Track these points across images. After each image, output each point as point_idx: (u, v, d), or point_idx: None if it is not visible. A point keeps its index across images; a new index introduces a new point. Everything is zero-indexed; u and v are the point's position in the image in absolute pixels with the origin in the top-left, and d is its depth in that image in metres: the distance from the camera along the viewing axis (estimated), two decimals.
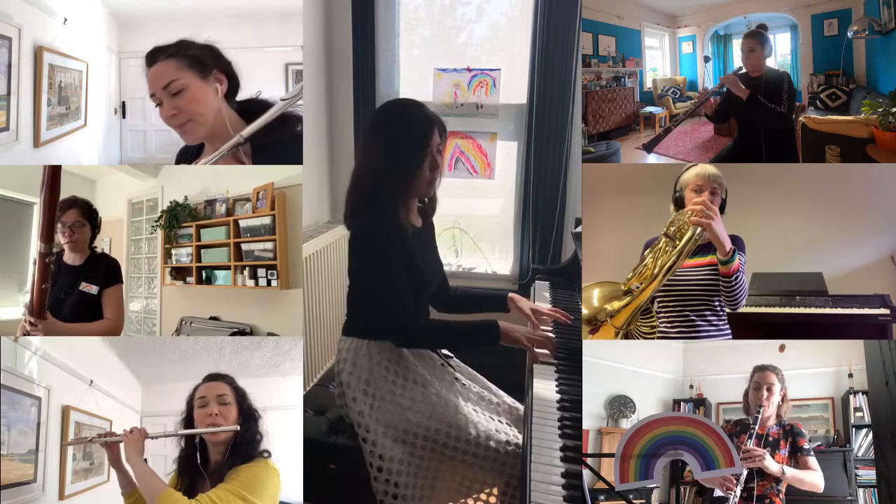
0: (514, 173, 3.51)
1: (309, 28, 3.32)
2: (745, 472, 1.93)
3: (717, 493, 2.00)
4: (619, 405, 2.90)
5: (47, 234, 1.87)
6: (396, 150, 1.83)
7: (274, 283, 3.09)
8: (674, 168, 2.19)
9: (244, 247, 3.27)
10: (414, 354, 1.95)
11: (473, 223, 3.66)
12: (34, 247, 3.06)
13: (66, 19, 3.30)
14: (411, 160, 1.83)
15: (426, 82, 3.45)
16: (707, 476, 1.77)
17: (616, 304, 1.90)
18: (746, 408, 2.17)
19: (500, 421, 1.93)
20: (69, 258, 2.33)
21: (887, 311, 2.59)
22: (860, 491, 2.57)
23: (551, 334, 1.99)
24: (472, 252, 3.67)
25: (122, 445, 1.67)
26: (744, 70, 2.69)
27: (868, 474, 2.57)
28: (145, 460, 1.65)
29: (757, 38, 2.66)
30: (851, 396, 2.69)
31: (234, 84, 1.81)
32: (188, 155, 1.92)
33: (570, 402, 1.73)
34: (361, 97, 3.44)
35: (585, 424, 2.46)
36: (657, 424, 1.76)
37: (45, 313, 1.98)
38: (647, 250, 1.99)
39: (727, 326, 2.02)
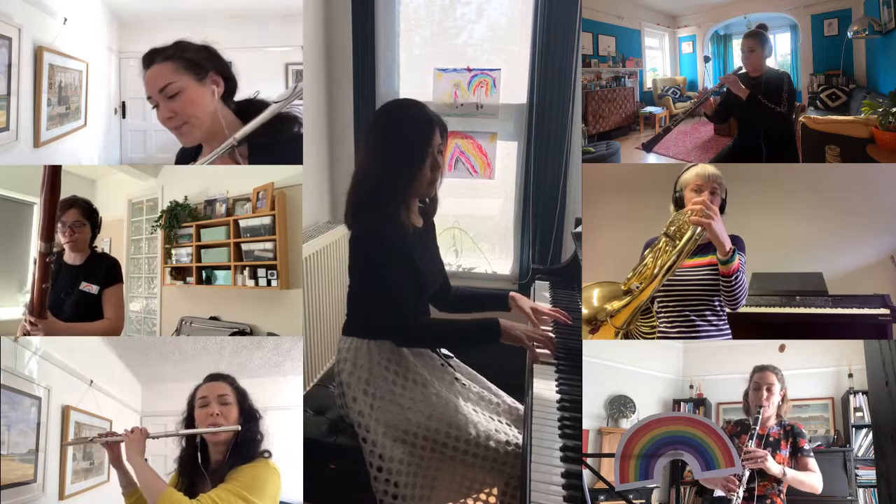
0: (514, 173, 3.51)
1: (309, 28, 3.32)
2: (747, 473, 1.93)
3: (717, 493, 2.00)
4: (619, 405, 2.90)
5: (48, 234, 1.87)
6: (397, 150, 1.83)
7: (274, 283, 3.09)
8: (674, 168, 2.19)
9: (244, 247, 3.27)
10: (414, 354, 1.95)
11: (473, 223, 3.66)
12: (34, 247, 3.06)
13: (66, 19, 3.29)
14: (412, 160, 1.83)
15: (426, 82, 3.45)
16: (707, 476, 1.77)
17: (616, 304, 1.90)
18: (746, 408, 2.17)
19: (500, 421, 1.93)
20: (69, 258, 2.33)
21: (887, 311, 2.59)
22: (860, 491, 2.57)
23: (551, 334, 1.99)
24: (472, 252, 3.67)
25: (122, 445, 1.67)
26: (744, 70, 2.69)
27: (868, 474, 2.57)
28: (146, 460, 1.65)
29: (757, 38, 2.66)
30: (851, 396, 2.69)
31: (231, 85, 1.81)
32: (186, 156, 1.92)
33: (570, 402, 1.73)
34: (361, 97, 3.44)
35: (585, 424, 2.46)
36: (657, 424, 1.76)
37: (45, 313, 1.98)
38: (647, 250, 1.99)
39: (727, 326, 2.02)
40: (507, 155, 3.50)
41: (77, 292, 2.27)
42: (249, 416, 1.76)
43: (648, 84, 3.38)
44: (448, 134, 1.91)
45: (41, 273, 1.92)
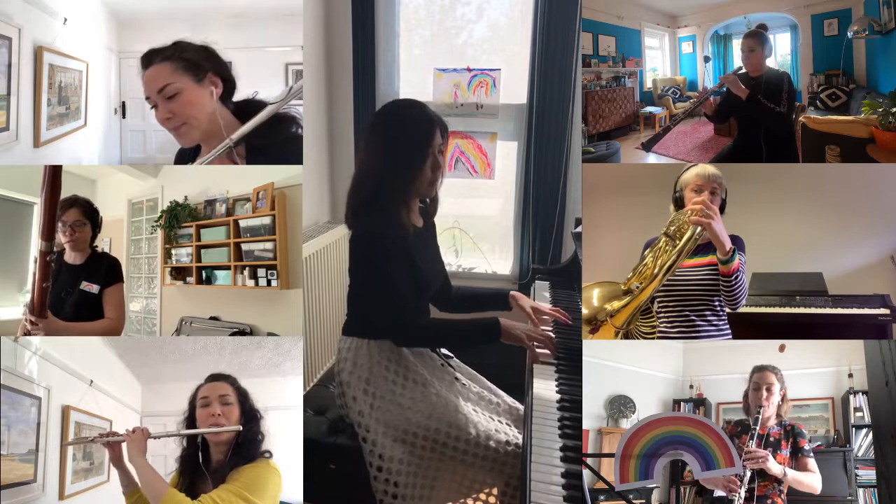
0: (514, 173, 3.51)
1: (309, 28, 3.32)
2: (748, 473, 1.93)
3: (717, 493, 2.00)
4: (619, 405, 2.90)
5: (48, 233, 1.87)
6: (398, 150, 1.83)
7: (274, 283, 3.09)
8: (674, 168, 2.19)
9: (244, 247, 3.27)
10: (414, 354, 1.95)
11: (473, 223, 3.66)
12: (34, 246, 3.06)
13: (66, 19, 3.30)
14: (413, 160, 1.83)
15: (426, 82, 3.46)
16: (707, 476, 1.77)
17: (616, 304, 1.90)
18: (746, 408, 2.17)
19: (500, 421, 1.93)
20: (70, 257, 2.34)
21: (887, 311, 2.59)
22: (860, 491, 2.57)
23: (551, 334, 1.99)
24: (472, 252, 3.67)
25: (124, 445, 1.67)
26: (744, 70, 2.69)
27: (868, 474, 2.57)
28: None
29: (757, 38, 2.66)
30: (851, 396, 2.69)
31: (229, 86, 1.81)
32: (185, 156, 1.92)
33: (570, 402, 1.73)
34: (361, 97, 3.44)
35: (585, 424, 2.46)
36: (657, 424, 1.76)
37: (45, 312, 1.98)
38: (647, 250, 1.99)
39: (727, 326, 2.02)
40: (507, 155, 3.50)
41: (77, 292, 2.27)
42: (251, 416, 1.77)
43: (648, 84, 3.38)
44: (448, 134, 1.92)
45: (42, 272, 1.92)
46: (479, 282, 3.57)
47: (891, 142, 2.34)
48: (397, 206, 1.85)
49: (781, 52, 3.05)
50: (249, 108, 1.79)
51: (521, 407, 1.98)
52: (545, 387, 1.80)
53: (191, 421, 1.76)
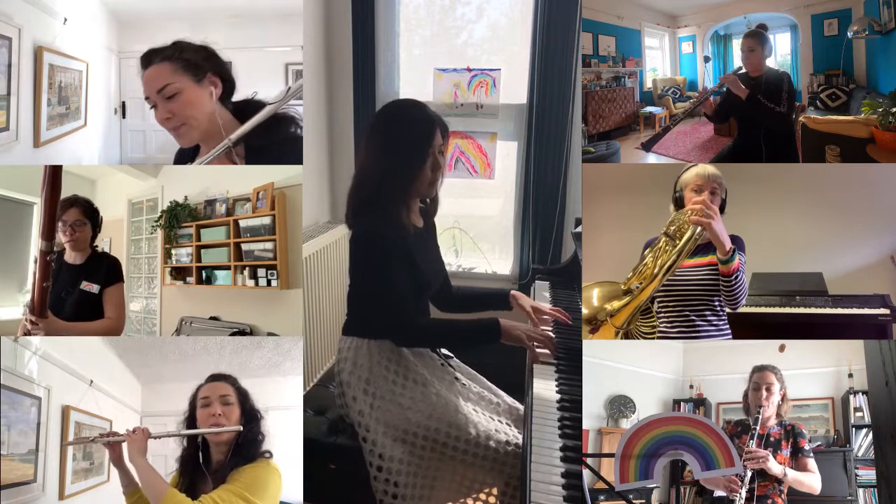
0: (514, 173, 3.51)
1: (309, 28, 3.32)
2: (749, 473, 1.93)
3: (717, 493, 2.00)
4: (619, 405, 2.90)
5: (48, 232, 1.87)
6: (398, 150, 1.83)
7: (274, 283, 3.09)
8: (674, 168, 2.19)
9: (244, 247, 3.27)
10: (414, 354, 1.95)
11: (473, 223, 3.66)
12: (34, 246, 3.06)
13: (66, 19, 3.30)
14: (413, 160, 1.83)
15: (426, 82, 3.46)
16: (707, 476, 1.77)
17: (616, 304, 1.90)
18: (746, 408, 2.17)
19: (500, 421, 1.93)
20: (70, 257, 2.33)
21: (887, 311, 2.59)
22: (860, 491, 2.57)
23: (551, 334, 1.99)
24: (472, 252, 3.67)
25: (124, 445, 1.67)
26: (743, 70, 2.69)
27: (868, 474, 2.57)
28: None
29: (757, 38, 2.66)
30: (851, 396, 2.69)
31: (229, 86, 1.81)
32: (184, 156, 1.93)
33: (570, 402, 1.73)
34: (361, 97, 3.44)
35: (585, 424, 2.46)
36: (657, 424, 1.76)
37: (45, 312, 1.98)
38: (647, 250, 1.99)
39: (727, 326, 2.02)
40: (507, 155, 3.50)
41: (78, 292, 2.27)
42: (251, 416, 1.77)
43: (648, 84, 3.38)
44: (449, 134, 1.92)
45: (42, 272, 1.92)
46: (479, 282, 3.57)
47: (891, 142, 2.34)
48: (397, 206, 1.85)
49: (781, 52, 3.05)
50: (248, 108, 1.79)
51: (521, 407, 1.98)
52: (545, 387, 1.80)
53: (191, 421, 1.76)
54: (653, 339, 1.99)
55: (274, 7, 3.88)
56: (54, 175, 1.84)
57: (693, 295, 1.98)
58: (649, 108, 3.33)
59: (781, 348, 2.51)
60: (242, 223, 3.27)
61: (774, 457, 2.00)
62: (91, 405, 2.50)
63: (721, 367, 2.87)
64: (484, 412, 1.94)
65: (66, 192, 1.99)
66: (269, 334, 3.16)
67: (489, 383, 2.09)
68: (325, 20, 3.46)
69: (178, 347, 2.83)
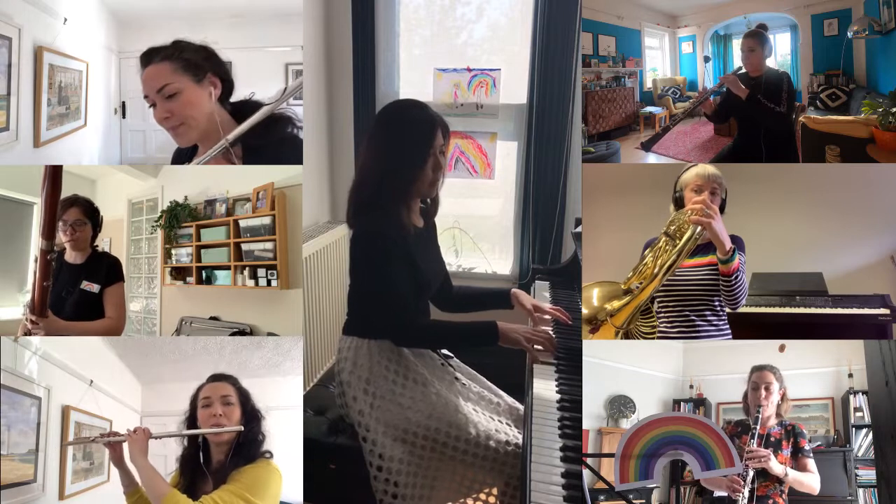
0: (514, 173, 3.51)
1: (309, 28, 3.32)
2: (751, 473, 1.94)
3: (717, 493, 2.00)
4: (619, 405, 2.90)
5: (49, 231, 1.87)
6: (399, 150, 1.83)
7: (274, 283, 3.09)
8: (674, 168, 2.19)
9: (244, 247, 3.27)
10: (414, 354, 1.95)
11: (473, 223, 3.66)
12: (34, 246, 3.05)
13: (66, 19, 3.30)
14: (414, 161, 1.83)
15: (426, 82, 3.46)
16: (707, 476, 1.77)
17: (616, 304, 1.90)
18: (746, 409, 2.17)
19: (500, 421, 1.93)
20: (70, 257, 2.33)
21: (887, 311, 2.59)
22: (860, 491, 2.57)
23: (551, 333, 1.99)
24: (472, 252, 3.67)
25: (125, 445, 1.67)
26: (743, 70, 2.69)
27: (868, 474, 2.57)
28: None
29: (757, 38, 2.66)
30: (851, 396, 2.69)
31: (228, 87, 1.81)
32: (182, 156, 1.93)
33: (570, 402, 1.73)
34: (361, 97, 3.44)
35: (585, 424, 2.46)
36: (657, 424, 1.76)
37: (46, 311, 1.98)
38: (647, 250, 1.99)
39: (727, 326, 2.02)
40: (507, 155, 3.50)
41: (78, 291, 2.27)
42: (252, 416, 1.77)
43: (648, 84, 3.37)
44: (450, 134, 1.92)
45: (42, 271, 1.92)
46: (479, 282, 3.57)
47: (891, 142, 2.34)
48: (398, 206, 1.85)
49: (781, 52, 3.05)
50: (246, 108, 1.80)
51: (521, 407, 1.98)
52: (545, 387, 1.80)
53: (192, 421, 1.76)
54: (653, 339, 1.99)
55: (274, 7, 3.88)
56: (54, 174, 1.85)
57: (693, 295, 1.98)
58: (649, 108, 3.33)
59: (781, 348, 2.51)
60: (242, 223, 3.27)
61: (775, 457, 2.00)
62: (91, 405, 2.50)
63: (721, 367, 2.87)
64: (484, 412, 1.94)
65: (66, 192, 1.99)
66: (269, 334, 3.16)
67: (489, 383, 2.09)
68: (325, 20, 3.46)
69: (178, 347, 2.83)
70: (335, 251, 3.26)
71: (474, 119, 3.43)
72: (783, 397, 2.12)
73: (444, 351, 2.09)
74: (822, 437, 2.71)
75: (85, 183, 4.27)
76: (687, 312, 1.99)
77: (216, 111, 1.75)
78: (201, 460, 1.70)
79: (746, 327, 2.60)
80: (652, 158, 2.95)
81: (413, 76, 3.51)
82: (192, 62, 1.74)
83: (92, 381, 2.53)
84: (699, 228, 1.87)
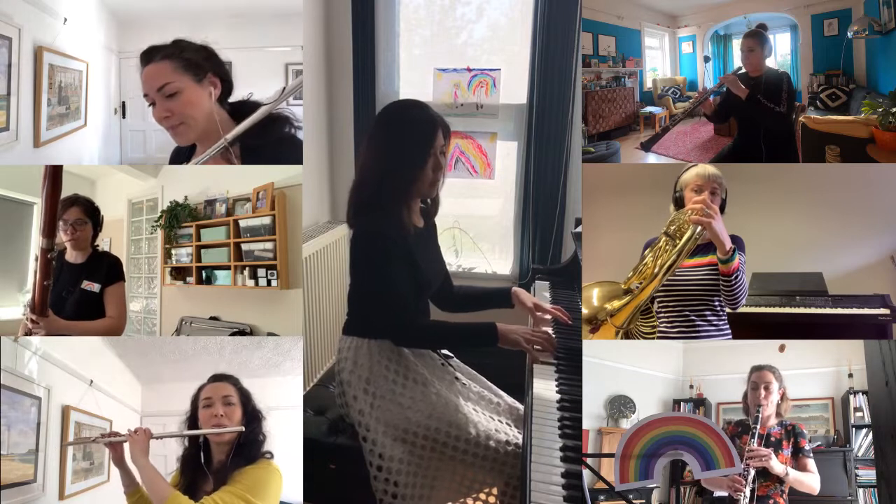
0: (514, 173, 3.51)
1: (309, 28, 3.32)
2: (752, 472, 1.93)
3: (717, 493, 2.00)
4: (619, 405, 2.90)
5: (49, 230, 1.87)
6: (400, 150, 1.83)
7: (274, 283, 3.09)
8: (674, 168, 2.19)
9: (244, 247, 3.27)
10: (414, 354, 1.95)
11: (473, 223, 3.66)
12: (34, 247, 3.05)
13: (66, 19, 3.30)
14: (414, 161, 1.83)
15: (426, 82, 3.46)
16: (707, 476, 1.77)
17: (616, 304, 1.90)
18: (746, 409, 2.17)
19: (500, 421, 1.93)
20: (71, 256, 2.33)
21: (887, 311, 2.59)
22: (860, 491, 2.57)
23: (551, 334, 1.99)
24: (472, 252, 3.67)
25: (126, 445, 1.67)
26: (743, 70, 2.69)
27: (868, 474, 2.57)
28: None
29: (756, 38, 2.66)
30: (851, 396, 2.69)
31: (227, 87, 1.81)
32: (180, 156, 1.93)
33: (570, 402, 1.73)
34: (361, 97, 3.44)
35: (585, 424, 2.46)
36: (657, 424, 1.76)
37: (46, 311, 1.98)
38: (648, 250, 1.99)
39: (727, 326, 2.02)
40: (507, 155, 3.50)
41: (79, 291, 2.27)
42: (253, 416, 1.77)
43: (648, 84, 3.37)
44: (450, 134, 1.92)
45: (43, 270, 1.92)
46: (480, 282, 3.57)
47: (891, 142, 2.34)
48: (399, 206, 1.85)
49: (781, 52, 3.05)
50: (244, 108, 1.80)
51: (521, 407, 1.98)
52: (545, 387, 1.80)
53: (193, 421, 1.76)
54: (653, 339, 1.99)
55: (274, 7, 3.88)
56: (55, 174, 1.85)
57: (693, 295, 1.98)
58: (649, 108, 3.32)
59: (781, 348, 2.51)
60: (242, 223, 3.27)
61: (775, 456, 2.00)
62: (91, 405, 2.50)
63: (721, 367, 2.87)
64: (484, 412, 1.94)
65: (66, 192, 1.99)
66: (269, 334, 3.16)
67: (489, 383, 2.09)
68: (325, 20, 3.46)
69: (178, 347, 2.83)
70: (335, 251, 3.26)
71: (474, 119, 3.43)
72: (783, 397, 2.12)
73: (445, 351, 2.09)
74: (822, 437, 2.71)
75: (85, 183, 4.27)
76: (687, 312, 1.99)
77: (216, 111, 1.76)
78: (202, 460, 1.70)
79: (746, 327, 2.60)
80: (652, 158, 2.95)
81: (413, 76, 3.51)
82: (193, 62, 1.74)
83: (92, 381, 2.53)
84: (699, 228, 1.87)
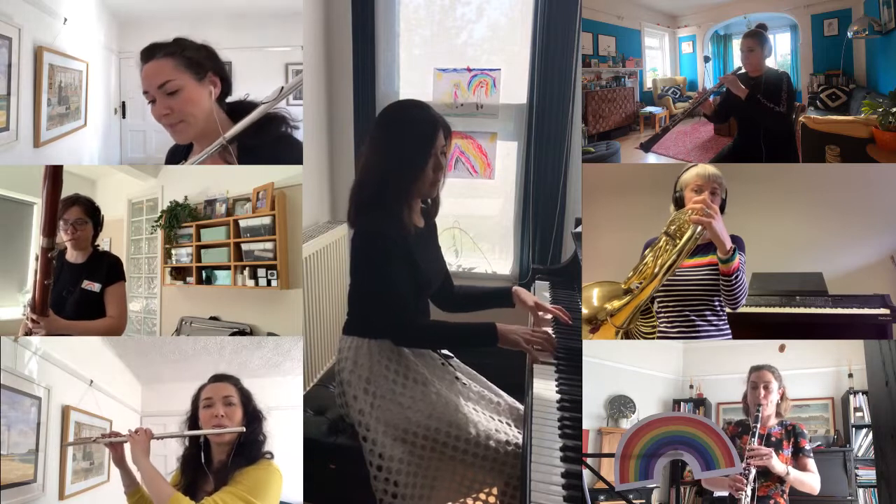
0: (514, 173, 3.51)
1: (309, 28, 3.32)
2: (753, 471, 1.93)
3: (717, 493, 2.00)
4: (619, 405, 2.90)
5: (50, 229, 1.87)
6: (401, 150, 1.83)
7: (274, 283, 3.09)
8: (674, 168, 2.19)
9: (244, 247, 3.27)
10: (414, 353, 1.95)
11: (473, 223, 3.66)
12: (34, 247, 3.05)
13: (66, 19, 3.29)
14: (415, 161, 1.83)
15: (426, 82, 3.46)
16: (707, 476, 1.77)
17: (616, 303, 1.90)
18: (746, 409, 2.17)
19: (500, 420, 1.93)
20: (71, 256, 2.33)
21: (887, 311, 2.59)
22: (860, 491, 2.57)
23: (551, 334, 1.99)
24: (472, 252, 3.67)
25: (126, 446, 1.67)
26: (743, 70, 2.69)
27: (868, 474, 2.57)
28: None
29: (756, 38, 2.66)
30: (851, 396, 2.69)
31: (226, 87, 1.82)
32: (177, 154, 1.93)
33: (570, 402, 1.73)
34: (361, 97, 3.44)
35: (585, 424, 2.46)
36: (657, 424, 1.76)
37: (47, 310, 1.98)
38: (648, 250, 1.99)
39: (727, 326, 2.02)
40: (507, 155, 3.50)
41: (79, 291, 2.27)
42: (253, 417, 1.77)
43: (648, 84, 3.37)
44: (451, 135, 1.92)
45: (43, 269, 1.92)
46: (480, 282, 3.57)
47: (891, 142, 2.34)
48: (399, 206, 1.85)
49: (781, 52, 3.05)
50: (241, 108, 1.80)
51: (521, 407, 1.98)
52: (545, 387, 1.80)
53: (193, 421, 1.76)
54: (653, 339, 1.99)
55: (274, 7, 3.88)
56: (55, 174, 1.85)
57: (693, 295, 1.98)
58: (649, 108, 3.32)
59: (781, 348, 2.51)
60: (242, 223, 3.27)
61: (776, 456, 2.00)
62: (91, 405, 2.50)
63: (721, 367, 2.87)
64: (484, 412, 1.94)
65: (66, 192, 1.99)
66: (269, 334, 3.16)
67: (489, 383, 2.09)
68: (325, 20, 3.46)
69: (178, 347, 2.83)
70: (335, 251, 3.26)
71: (474, 119, 3.43)
72: (782, 397, 2.12)
73: (444, 351, 2.09)
74: (822, 437, 2.71)
75: (85, 183, 4.27)
76: (687, 312, 1.99)
77: (215, 110, 1.76)
78: (203, 460, 1.70)
79: (746, 327, 2.60)
80: (652, 158, 2.95)
81: (413, 76, 3.51)
82: (195, 60, 1.74)
83: (92, 381, 2.53)
84: (699, 228, 1.87)
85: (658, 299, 2.02)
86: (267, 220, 3.13)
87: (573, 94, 3.25)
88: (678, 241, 1.90)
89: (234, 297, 3.42)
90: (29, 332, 2.01)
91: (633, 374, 2.89)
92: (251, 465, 1.68)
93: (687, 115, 2.87)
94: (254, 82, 1.92)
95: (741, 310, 2.05)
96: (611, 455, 1.76)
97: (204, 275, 3.58)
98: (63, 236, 2.28)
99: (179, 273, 3.79)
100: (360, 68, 3.41)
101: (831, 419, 2.74)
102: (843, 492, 2.55)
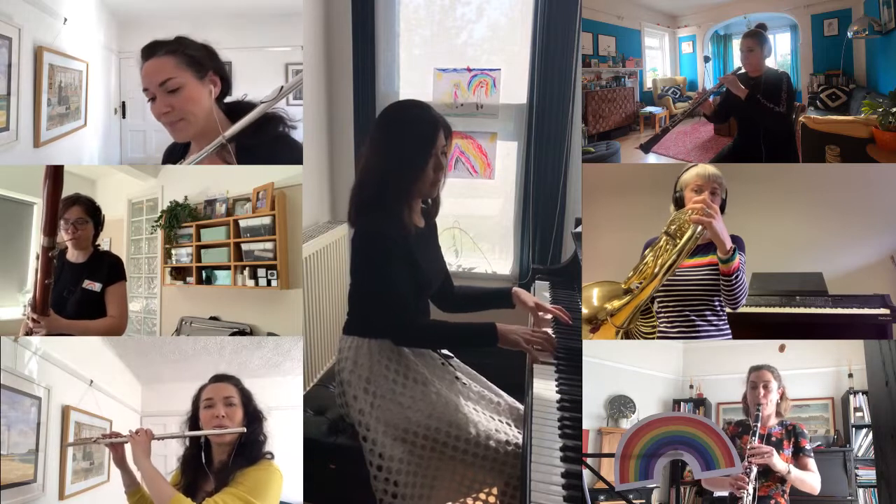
0: (514, 173, 3.51)
1: (309, 28, 3.32)
2: (755, 470, 1.93)
3: (717, 493, 2.00)
4: (619, 405, 2.90)
5: (50, 228, 1.87)
6: (401, 150, 1.83)
7: (274, 283, 3.09)
8: (674, 168, 2.19)
9: (244, 247, 3.27)
10: (414, 353, 1.95)
11: (473, 223, 3.67)
12: (34, 246, 3.05)
13: (66, 19, 3.30)
14: (416, 161, 1.83)
15: (426, 82, 3.46)
16: (707, 476, 1.77)
17: (616, 303, 1.90)
18: (746, 409, 2.17)
19: (500, 420, 1.93)
20: (72, 256, 2.33)
21: (887, 311, 2.59)
22: (860, 491, 2.57)
23: (551, 333, 1.99)
24: (472, 252, 3.68)
25: (127, 446, 1.67)
26: (743, 70, 2.69)
27: (868, 474, 2.57)
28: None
29: (756, 38, 2.66)
30: (851, 396, 2.69)
31: (226, 87, 1.82)
32: (174, 153, 1.93)
33: (570, 402, 1.73)
34: (361, 97, 3.44)
35: (585, 424, 2.46)
36: (657, 424, 1.76)
37: (47, 310, 1.98)
38: (648, 249, 1.99)
39: (727, 326, 2.02)
40: (507, 155, 3.50)
41: (80, 290, 2.27)
42: (254, 417, 1.77)
43: (648, 84, 3.37)
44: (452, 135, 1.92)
45: (44, 269, 1.92)
46: (480, 282, 3.57)
47: (891, 142, 2.34)
48: (400, 206, 1.85)
49: (781, 52, 3.05)
50: (239, 109, 1.81)
51: (521, 407, 1.98)
52: (545, 387, 1.80)
53: (194, 421, 1.76)
54: (653, 339, 1.99)
55: (274, 7, 3.88)
56: (55, 174, 1.85)
57: (693, 295, 1.98)
58: (649, 108, 3.33)
59: (781, 348, 2.51)
60: (242, 223, 3.27)
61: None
62: (91, 405, 2.50)
63: (721, 367, 2.87)
64: (484, 412, 1.94)
65: (66, 192, 1.99)
66: (269, 334, 3.16)
67: (489, 383, 2.09)
68: (325, 20, 3.46)
69: (178, 347, 2.83)
70: (335, 251, 3.26)
71: (474, 119, 3.44)
72: (782, 396, 2.12)
73: (444, 351, 2.09)
74: (822, 437, 2.71)
75: (85, 183, 4.26)
76: (687, 312, 1.99)
77: (214, 110, 1.76)
78: (203, 460, 1.70)
79: (746, 327, 2.60)
80: (652, 158, 2.95)
81: (413, 76, 3.51)
82: (196, 58, 1.75)
83: (92, 381, 2.53)
84: (700, 228, 1.87)
85: (658, 299, 2.02)
86: (267, 220, 3.13)
87: (573, 94, 3.25)
88: (678, 241, 1.90)
89: (234, 297, 3.42)
90: (29, 332, 2.01)
91: (633, 374, 2.89)
92: (252, 466, 1.68)
93: (687, 116, 2.87)
94: (254, 82, 1.92)
95: (741, 310, 2.05)
96: (611, 455, 1.76)
97: (204, 275, 3.58)
98: (64, 236, 2.28)
99: (179, 273, 3.79)
100: (360, 68, 3.41)
101: (831, 419, 2.74)
102: (843, 492, 2.55)
